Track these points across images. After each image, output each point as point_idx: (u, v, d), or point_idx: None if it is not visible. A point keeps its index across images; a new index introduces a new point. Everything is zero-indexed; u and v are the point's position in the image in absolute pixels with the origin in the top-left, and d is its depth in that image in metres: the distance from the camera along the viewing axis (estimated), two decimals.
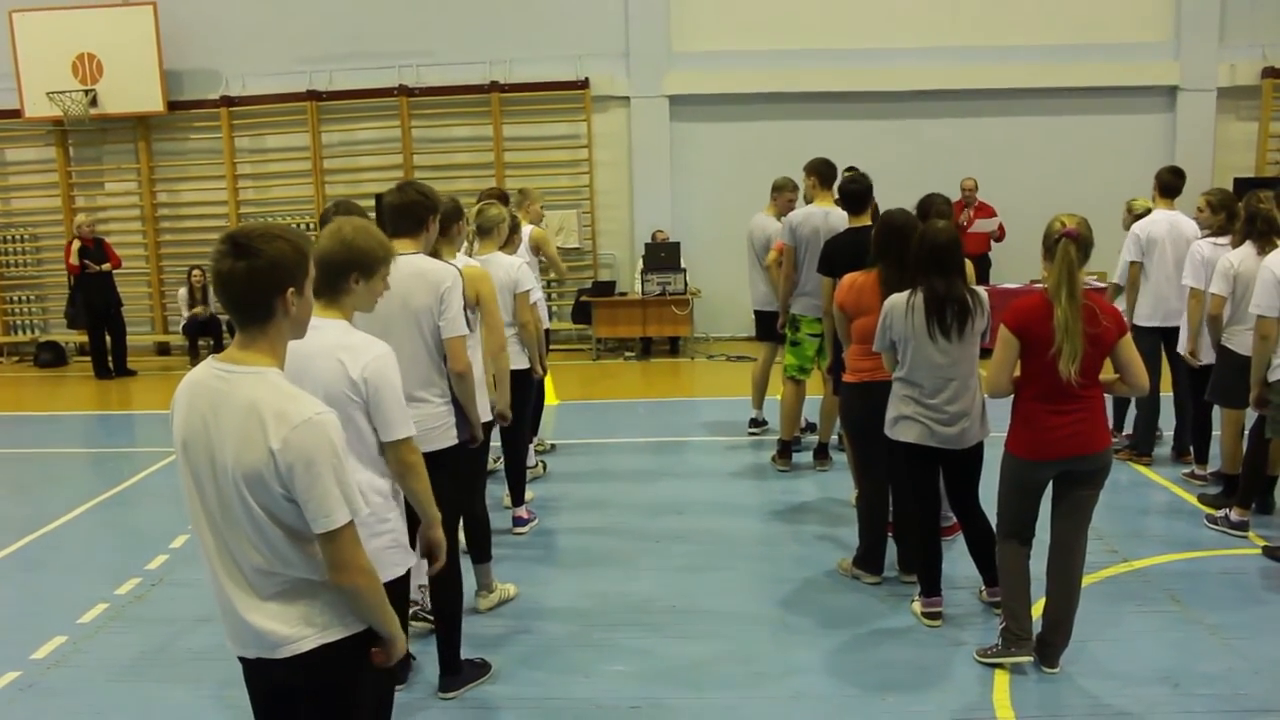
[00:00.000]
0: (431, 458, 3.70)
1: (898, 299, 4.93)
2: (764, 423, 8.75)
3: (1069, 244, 4.28)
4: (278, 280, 2.51)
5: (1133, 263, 7.44)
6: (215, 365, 2.56)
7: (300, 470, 2.42)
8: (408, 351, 4.08)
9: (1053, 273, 4.30)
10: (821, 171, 7.51)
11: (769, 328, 8.16)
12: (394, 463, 3.31)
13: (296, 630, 2.57)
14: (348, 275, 3.29)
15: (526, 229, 7.57)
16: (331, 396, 3.02)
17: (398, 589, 3.41)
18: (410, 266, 4.21)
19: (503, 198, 7.44)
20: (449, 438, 4.37)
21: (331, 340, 3.18)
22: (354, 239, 3.29)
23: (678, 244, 13.02)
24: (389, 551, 3.30)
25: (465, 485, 4.84)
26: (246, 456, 2.44)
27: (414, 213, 4.39)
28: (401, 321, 4.21)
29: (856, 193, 6.64)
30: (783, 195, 8.42)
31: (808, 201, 7.61)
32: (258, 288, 2.50)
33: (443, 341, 4.32)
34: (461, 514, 4.97)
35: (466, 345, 4.42)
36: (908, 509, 5.33)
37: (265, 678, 2.68)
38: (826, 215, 7.30)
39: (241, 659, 2.68)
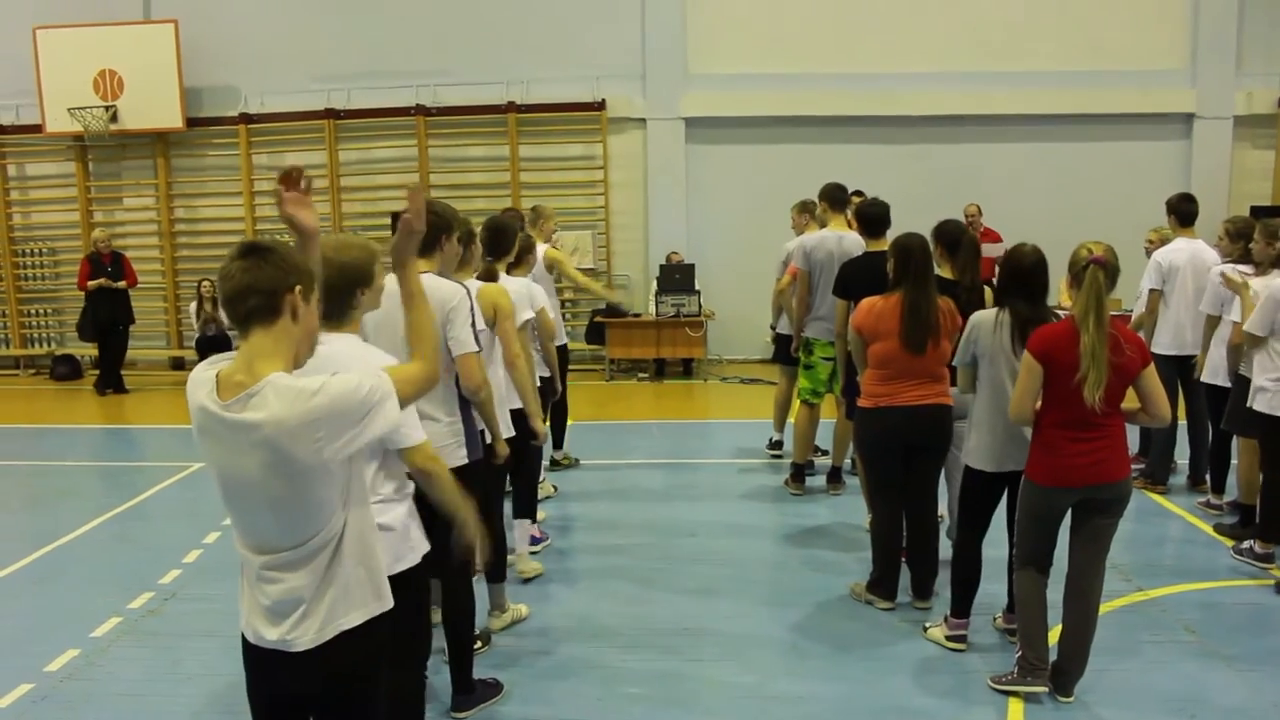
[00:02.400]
0: None
1: (986, 315, 4.85)
2: (782, 444, 8.74)
3: (1097, 271, 4.27)
4: (284, 278, 2.54)
5: (1153, 290, 7.43)
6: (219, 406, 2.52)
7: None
8: None
9: (1080, 299, 4.29)
10: (834, 196, 7.58)
11: (788, 351, 8.16)
12: (415, 470, 3.34)
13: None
14: (353, 292, 3.32)
15: (541, 248, 7.59)
16: None
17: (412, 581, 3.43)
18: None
19: (518, 218, 7.45)
20: (458, 457, 4.37)
21: (345, 352, 3.18)
22: (341, 258, 3.28)
23: (692, 266, 13.04)
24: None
25: (479, 504, 4.83)
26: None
27: (429, 232, 4.39)
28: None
29: (875, 216, 6.65)
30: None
31: (821, 226, 7.64)
32: (264, 282, 2.53)
33: (454, 360, 4.33)
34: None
35: (480, 362, 4.43)
36: (967, 536, 5.11)
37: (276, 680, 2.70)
38: (840, 239, 7.33)
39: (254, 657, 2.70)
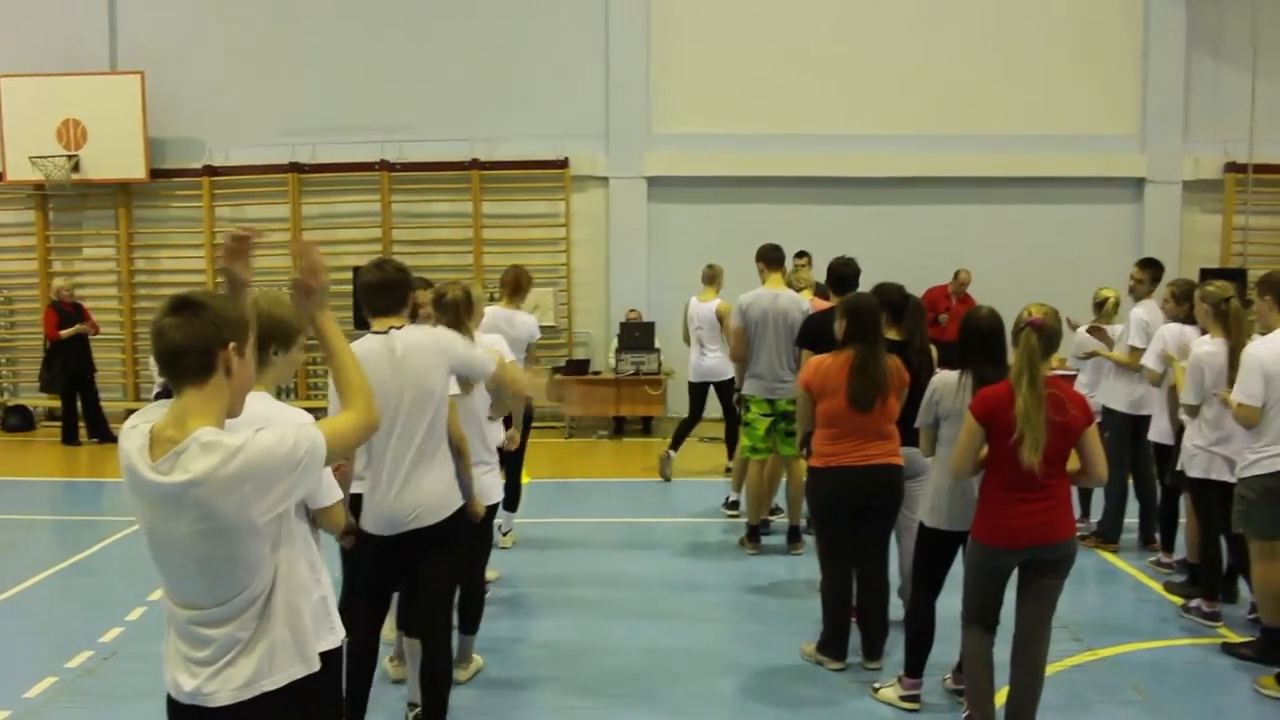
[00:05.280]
0: (440, 525, 4.08)
1: (948, 377, 4.88)
2: (739, 504, 8.73)
3: (1030, 333, 4.34)
4: (218, 334, 2.52)
5: (1135, 348, 7.41)
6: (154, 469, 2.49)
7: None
8: (422, 419, 4.23)
9: (1015, 361, 4.36)
10: (770, 256, 7.79)
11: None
12: (330, 525, 3.37)
13: None
14: (266, 347, 3.27)
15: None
16: None
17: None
18: (409, 338, 4.30)
19: (530, 278, 7.58)
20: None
21: (255, 412, 3.15)
22: (270, 310, 3.26)
23: (652, 324, 13.09)
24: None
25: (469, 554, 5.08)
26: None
27: (397, 289, 4.44)
28: (413, 393, 4.25)
29: (847, 275, 6.74)
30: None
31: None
32: (198, 340, 2.51)
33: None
34: (459, 584, 5.04)
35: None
36: (921, 595, 5.11)
37: None
38: (776, 297, 7.51)
39: None
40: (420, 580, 4.39)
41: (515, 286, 7.37)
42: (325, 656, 3.33)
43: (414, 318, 5.06)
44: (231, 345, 2.56)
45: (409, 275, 4.53)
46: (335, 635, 3.39)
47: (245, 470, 2.46)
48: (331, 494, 3.35)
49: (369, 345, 4.20)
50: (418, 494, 4.24)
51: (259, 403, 3.22)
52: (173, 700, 2.67)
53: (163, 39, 13.71)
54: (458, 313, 5.11)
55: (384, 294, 4.37)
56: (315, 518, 3.38)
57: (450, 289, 5.19)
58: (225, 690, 2.58)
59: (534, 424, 8.13)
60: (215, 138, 13.96)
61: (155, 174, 13.91)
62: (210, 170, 13.98)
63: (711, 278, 9.97)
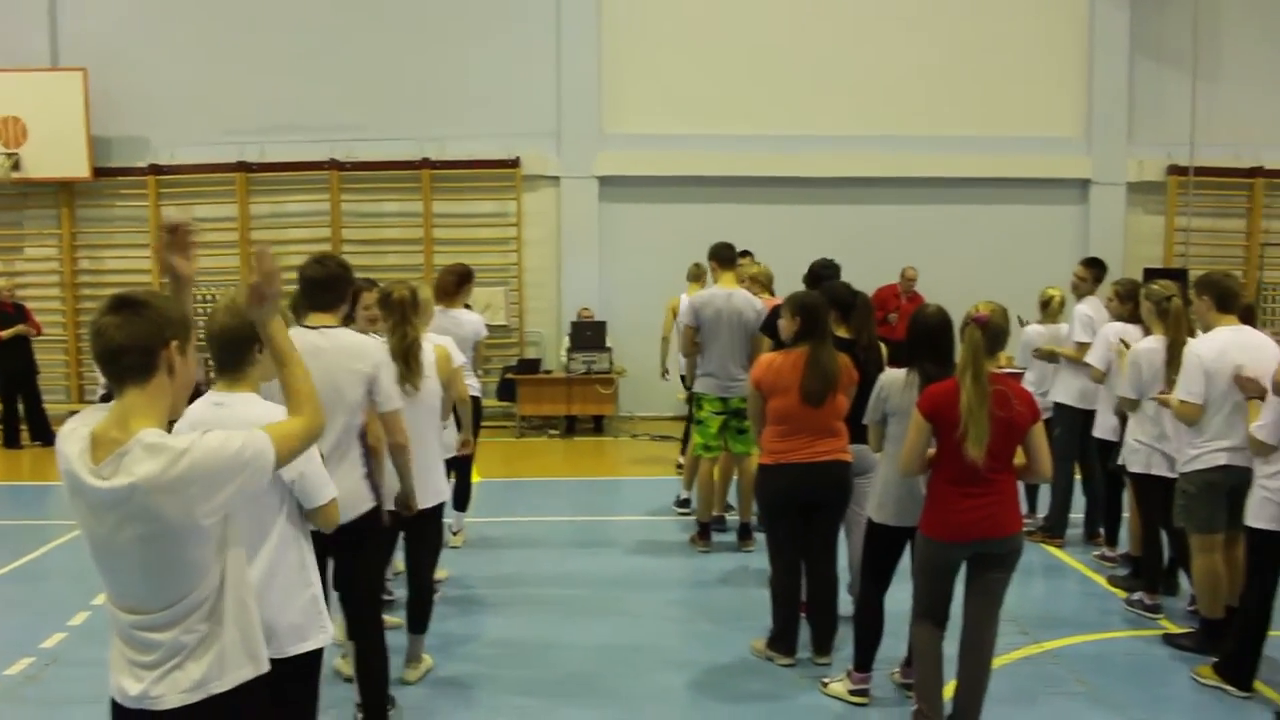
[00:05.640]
0: (352, 526, 4.03)
1: (896, 374, 4.94)
2: (689, 502, 8.75)
3: (975, 329, 4.40)
4: (159, 333, 2.49)
5: (1081, 343, 7.52)
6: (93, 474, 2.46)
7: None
8: (334, 422, 4.15)
9: (960, 357, 4.42)
10: (722, 255, 7.85)
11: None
12: (325, 523, 3.44)
13: None
14: (251, 346, 3.27)
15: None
16: None
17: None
18: (336, 340, 4.25)
19: (466, 275, 7.48)
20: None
21: (244, 414, 3.15)
22: (242, 313, 3.24)
23: (604, 323, 13.09)
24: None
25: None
26: None
27: (336, 286, 4.41)
28: (329, 395, 4.19)
29: (824, 277, 6.82)
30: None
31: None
32: (139, 339, 2.47)
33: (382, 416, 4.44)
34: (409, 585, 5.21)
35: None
36: (870, 590, 5.17)
37: None
38: (729, 296, 7.56)
39: None
40: (343, 584, 4.42)
41: (442, 292, 7.17)
42: (313, 655, 3.39)
43: (351, 318, 5.06)
44: (174, 344, 2.53)
45: (350, 273, 4.51)
46: (325, 634, 3.44)
47: (191, 473, 2.43)
48: (325, 492, 3.39)
49: (297, 339, 4.16)
50: None
51: (247, 405, 3.23)
52: (118, 706, 2.63)
53: (106, 35, 13.45)
54: (404, 312, 5.07)
55: (323, 290, 4.34)
56: (310, 516, 3.40)
57: (396, 288, 5.16)
58: (173, 693, 2.54)
59: (484, 423, 8.12)
60: (161, 136, 13.74)
61: (99, 172, 13.68)
62: (156, 169, 13.76)
63: (698, 275, 9.87)
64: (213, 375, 3.44)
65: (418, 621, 5.36)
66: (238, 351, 3.28)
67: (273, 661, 2.81)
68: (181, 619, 2.54)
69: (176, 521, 2.44)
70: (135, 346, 2.48)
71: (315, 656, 3.47)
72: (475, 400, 7.18)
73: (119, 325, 2.47)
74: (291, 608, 3.37)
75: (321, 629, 3.45)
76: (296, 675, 3.38)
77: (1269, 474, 5.00)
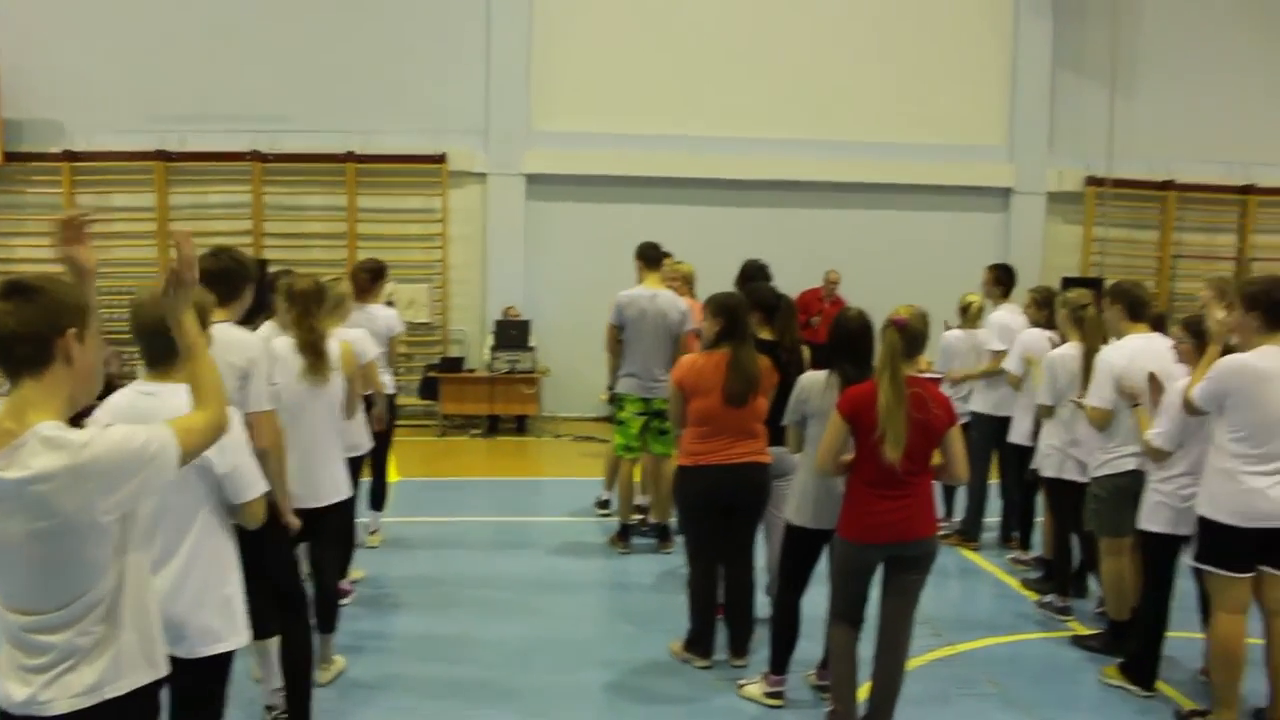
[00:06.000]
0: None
1: (815, 376, 4.94)
2: (609, 503, 8.71)
3: (893, 331, 4.43)
4: (54, 320, 2.39)
5: (996, 351, 7.63)
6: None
7: None
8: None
9: (878, 359, 4.45)
10: (648, 255, 7.79)
11: None
12: (251, 519, 3.39)
13: None
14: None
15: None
16: None
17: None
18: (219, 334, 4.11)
19: (379, 270, 7.34)
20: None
21: (175, 404, 3.03)
22: (199, 299, 3.17)
23: (528, 322, 13.01)
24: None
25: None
26: None
27: (229, 279, 4.30)
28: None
29: (754, 277, 6.82)
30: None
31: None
32: (32, 326, 2.37)
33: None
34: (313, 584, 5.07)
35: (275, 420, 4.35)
36: (786, 592, 5.17)
37: None
38: (654, 296, 7.55)
39: None
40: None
41: (357, 288, 6.92)
42: (224, 657, 3.30)
43: (269, 312, 4.94)
44: (70, 332, 2.42)
45: (247, 268, 4.40)
46: (240, 637, 3.36)
47: (90, 467, 2.34)
48: (255, 487, 3.34)
49: None
50: None
51: (177, 395, 3.15)
52: (3, 713, 2.51)
53: (17, 14, 12.96)
54: (306, 304, 4.93)
55: (215, 284, 4.18)
56: (235, 511, 3.34)
57: (299, 280, 5.03)
58: (63, 698, 2.44)
59: (404, 422, 8.01)
60: (76, 121, 13.32)
61: (9, 157, 13.21)
62: (70, 155, 13.35)
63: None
64: (127, 367, 3.35)
65: (325, 621, 5.23)
66: (169, 342, 3.17)
67: (182, 663, 2.72)
68: (76, 620, 2.44)
69: (74, 518, 2.35)
70: (28, 335, 2.38)
71: (226, 659, 3.37)
72: (390, 399, 7.08)
73: (10, 312, 2.37)
74: (206, 607, 3.28)
75: (235, 632, 3.35)
76: (207, 677, 3.30)
77: (1162, 478, 5.12)
